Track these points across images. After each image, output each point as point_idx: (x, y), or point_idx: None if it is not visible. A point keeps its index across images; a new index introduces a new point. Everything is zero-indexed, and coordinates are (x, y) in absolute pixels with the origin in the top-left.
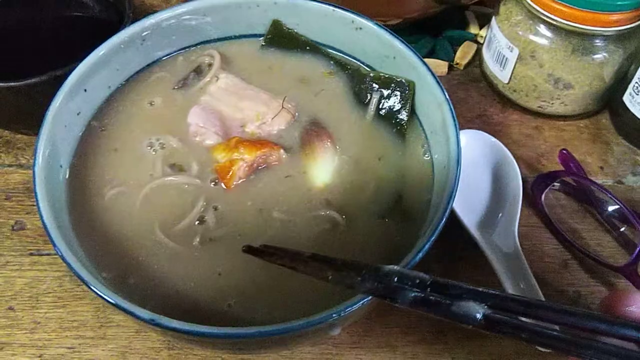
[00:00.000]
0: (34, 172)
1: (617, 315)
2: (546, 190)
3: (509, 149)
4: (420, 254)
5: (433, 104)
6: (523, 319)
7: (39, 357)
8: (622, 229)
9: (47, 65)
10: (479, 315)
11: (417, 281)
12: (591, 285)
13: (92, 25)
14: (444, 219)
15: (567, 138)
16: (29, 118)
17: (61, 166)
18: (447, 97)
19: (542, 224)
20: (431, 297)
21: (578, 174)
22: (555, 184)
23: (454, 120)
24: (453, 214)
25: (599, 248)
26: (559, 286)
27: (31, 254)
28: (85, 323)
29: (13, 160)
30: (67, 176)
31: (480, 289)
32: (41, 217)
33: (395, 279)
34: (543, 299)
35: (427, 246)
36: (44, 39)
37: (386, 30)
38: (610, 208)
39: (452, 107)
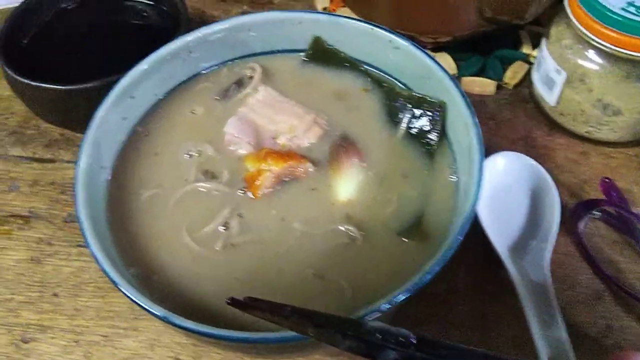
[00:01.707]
0: (76, 172)
1: None
2: (585, 219)
3: (552, 174)
4: (429, 276)
5: (462, 126)
6: None
7: (76, 342)
8: None
9: (106, 70)
10: None
11: (401, 339)
12: (624, 319)
13: (151, 34)
14: (457, 243)
15: (614, 165)
16: (86, 119)
17: (103, 167)
18: (476, 120)
19: (579, 252)
20: (416, 357)
21: (619, 204)
22: (596, 212)
23: (480, 145)
24: (485, 236)
25: (637, 282)
26: (590, 318)
27: (79, 246)
28: (120, 314)
29: (71, 157)
30: (108, 177)
31: (471, 349)
32: (76, 212)
33: (379, 336)
34: (566, 334)
35: (437, 268)
36: (107, 45)
37: (422, 51)
38: None
39: (479, 130)
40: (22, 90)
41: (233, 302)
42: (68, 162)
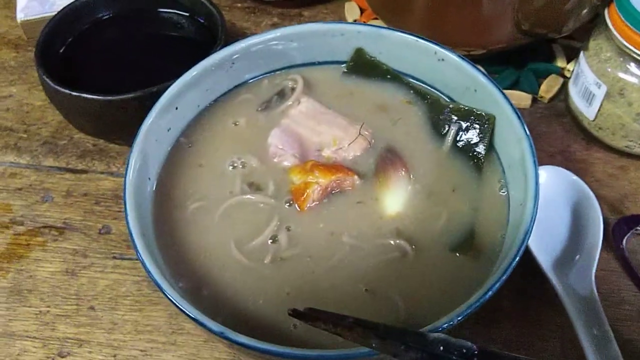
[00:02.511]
0: (125, 183)
1: None
2: (628, 235)
3: (591, 188)
4: (490, 292)
5: (512, 139)
6: None
7: (114, 357)
8: None
9: (142, 81)
10: None
11: (464, 351)
12: None
13: (187, 46)
14: (517, 258)
15: None
16: (122, 129)
17: (149, 178)
18: (528, 132)
19: (622, 269)
20: None
21: None
22: (639, 228)
23: (534, 157)
24: (528, 252)
25: None
26: (636, 336)
27: (114, 258)
28: (158, 328)
29: (105, 168)
30: (154, 188)
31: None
32: (128, 225)
33: (441, 347)
34: (617, 347)
35: (497, 285)
36: (142, 56)
37: (468, 62)
38: None
39: (532, 143)
40: (60, 100)
41: (294, 313)
42: (101, 172)
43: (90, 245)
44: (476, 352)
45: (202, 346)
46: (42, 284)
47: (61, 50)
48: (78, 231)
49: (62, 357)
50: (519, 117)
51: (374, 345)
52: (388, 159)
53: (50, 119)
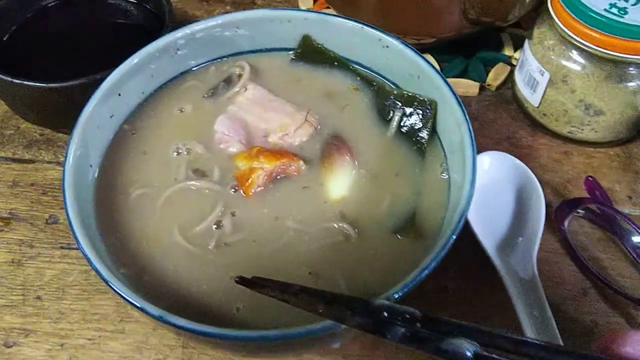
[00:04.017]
0: (64, 170)
1: (613, 357)
2: (570, 217)
3: (535, 173)
4: (426, 271)
5: (453, 123)
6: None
7: (61, 346)
8: None
9: (88, 68)
10: (469, 354)
11: (407, 316)
12: (609, 316)
13: (135, 33)
14: (453, 238)
15: (596, 165)
16: (67, 118)
17: (91, 166)
18: (467, 117)
19: (564, 250)
20: (421, 333)
21: (603, 202)
22: (580, 210)
23: (472, 140)
24: (472, 234)
25: (621, 279)
26: (576, 315)
27: (62, 247)
28: (106, 316)
29: (52, 157)
30: (96, 175)
31: (472, 326)
32: (67, 213)
33: (385, 313)
34: (556, 329)
35: (433, 264)
36: (89, 43)
37: (412, 49)
38: (635, 239)
39: (470, 127)
40: (3, 88)
41: (241, 280)
42: (49, 162)
43: (37, 235)
44: (420, 317)
45: (150, 334)
46: None
47: (5, 38)
48: (24, 221)
49: (8, 347)
50: (458, 102)
51: (320, 310)
52: (334, 145)
53: None
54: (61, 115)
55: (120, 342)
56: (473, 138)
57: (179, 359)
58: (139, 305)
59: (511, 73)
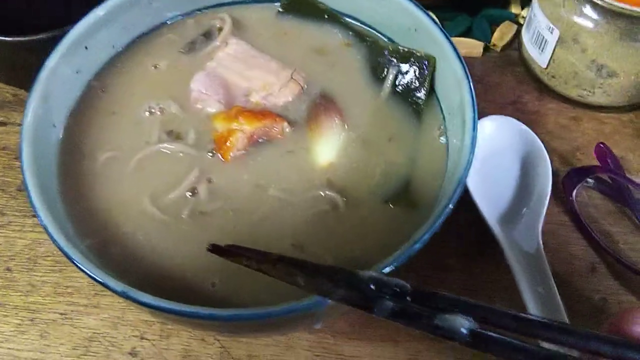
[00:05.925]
0: (21, 130)
1: (623, 335)
2: (578, 187)
3: (542, 140)
4: (419, 244)
5: (453, 82)
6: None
7: (31, 320)
8: None
9: (56, 21)
10: (464, 331)
11: (397, 289)
12: (620, 293)
13: None
14: (449, 207)
15: (607, 132)
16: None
17: (54, 126)
18: (468, 74)
19: (572, 222)
20: (412, 308)
21: (615, 170)
22: (590, 180)
23: (473, 101)
24: (473, 206)
25: (632, 253)
26: (584, 291)
27: (34, 216)
28: (79, 290)
29: None
30: (60, 137)
31: (469, 301)
32: (23, 175)
33: (373, 286)
34: (562, 306)
35: (427, 236)
36: None
37: (410, 0)
38: None
39: (472, 86)
40: None
41: (214, 248)
42: (21, 125)
43: (7, 202)
44: (410, 291)
45: (127, 309)
46: None
47: None
48: None
49: None
50: (459, 58)
51: (301, 283)
52: (322, 106)
53: None
54: (30, 72)
55: (94, 317)
56: (474, 97)
57: (157, 336)
58: (100, 280)
59: (518, 33)
